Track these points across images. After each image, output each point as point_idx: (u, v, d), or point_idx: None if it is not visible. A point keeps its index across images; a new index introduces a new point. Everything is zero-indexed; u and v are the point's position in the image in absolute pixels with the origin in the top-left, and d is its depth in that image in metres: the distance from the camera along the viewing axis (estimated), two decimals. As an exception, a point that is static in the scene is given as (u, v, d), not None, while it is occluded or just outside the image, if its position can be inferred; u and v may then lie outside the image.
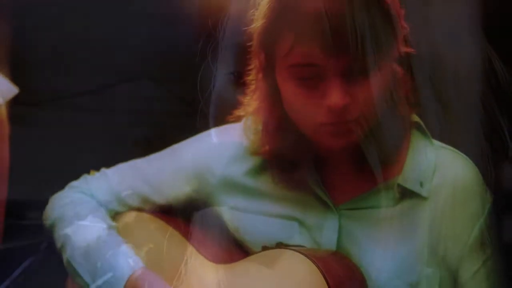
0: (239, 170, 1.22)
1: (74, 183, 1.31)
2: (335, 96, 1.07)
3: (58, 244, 1.23)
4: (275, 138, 1.18)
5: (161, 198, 1.26)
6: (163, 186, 1.26)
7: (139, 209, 1.27)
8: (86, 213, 1.25)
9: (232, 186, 1.22)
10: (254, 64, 1.18)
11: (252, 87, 1.20)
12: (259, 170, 1.21)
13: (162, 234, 1.22)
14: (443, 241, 1.15)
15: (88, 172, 1.33)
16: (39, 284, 1.50)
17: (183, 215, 1.23)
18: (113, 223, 1.24)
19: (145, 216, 1.26)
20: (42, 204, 1.31)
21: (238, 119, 1.24)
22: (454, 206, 1.16)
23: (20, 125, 1.34)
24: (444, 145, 1.20)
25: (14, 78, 1.35)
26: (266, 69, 1.15)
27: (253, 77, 1.19)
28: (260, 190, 1.21)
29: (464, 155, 1.18)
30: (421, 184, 1.16)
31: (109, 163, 1.40)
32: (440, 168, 1.17)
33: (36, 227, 1.30)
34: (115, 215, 1.27)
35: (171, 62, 1.71)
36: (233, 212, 1.22)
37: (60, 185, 1.31)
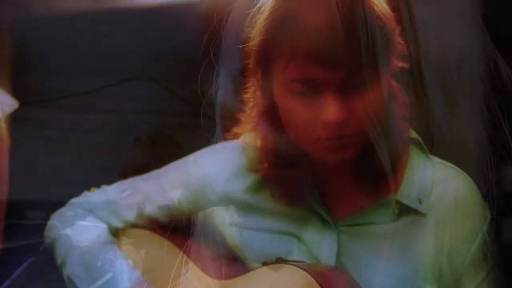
0: (239, 187, 1.23)
1: (74, 200, 1.31)
2: (331, 111, 1.07)
3: (59, 261, 1.24)
4: (274, 155, 1.18)
5: (160, 213, 1.26)
6: (163, 202, 1.26)
7: (139, 226, 1.27)
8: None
9: (231, 203, 1.23)
10: (252, 82, 1.18)
11: (250, 104, 1.19)
12: (258, 187, 1.22)
13: (161, 249, 1.22)
14: (443, 257, 1.15)
15: (87, 171, 1.33)
16: (39, 284, 1.50)
17: (182, 230, 1.23)
18: (112, 238, 1.24)
19: (144, 231, 1.26)
20: (42, 204, 1.31)
21: (236, 136, 1.24)
22: (453, 222, 1.16)
23: (20, 126, 1.34)
24: (442, 161, 1.20)
25: (14, 78, 1.35)
26: (263, 87, 1.15)
27: (251, 94, 1.19)
28: (259, 207, 1.21)
29: (462, 171, 1.19)
30: (420, 201, 1.16)
31: (108, 164, 1.40)
32: (439, 184, 1.17)
33: (36, 227, 1.30)
34: (115, 232, 1.26)
35: (172, 62, 1.71)
36: (232, 228, 1.22)
37: (60, 185, 1.31)
